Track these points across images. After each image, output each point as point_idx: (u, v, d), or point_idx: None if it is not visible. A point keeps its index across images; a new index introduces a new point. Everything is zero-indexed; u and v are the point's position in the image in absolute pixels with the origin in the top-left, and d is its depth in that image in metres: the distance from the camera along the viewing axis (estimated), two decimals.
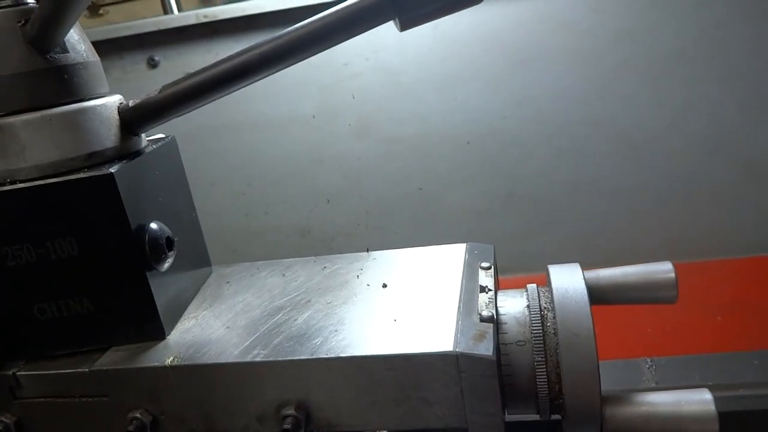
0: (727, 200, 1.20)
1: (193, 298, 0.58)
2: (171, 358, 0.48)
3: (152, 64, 1.34)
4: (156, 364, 0.48)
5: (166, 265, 0.51)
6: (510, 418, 0.72)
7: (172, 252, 0.52)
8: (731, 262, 1.14)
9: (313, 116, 1.28)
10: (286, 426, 0.45)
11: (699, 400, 0.45)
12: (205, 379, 0.47)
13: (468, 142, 1.25)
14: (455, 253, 0.58)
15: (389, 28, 0.47)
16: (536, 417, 0.68)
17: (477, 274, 0.53)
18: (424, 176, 1.29)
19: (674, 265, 0.52)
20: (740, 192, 1.19)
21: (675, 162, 1.21)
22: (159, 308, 0.51)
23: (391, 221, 1.32)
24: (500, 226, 1.25)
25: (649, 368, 0.76)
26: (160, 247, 0.50)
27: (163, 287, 0.52)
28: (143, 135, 0.57)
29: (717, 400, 0.54)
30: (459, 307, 0.48)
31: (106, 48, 1.34)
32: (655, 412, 0.45)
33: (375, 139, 1.28)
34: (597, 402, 0.44)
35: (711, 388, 0.64)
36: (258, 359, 0.46)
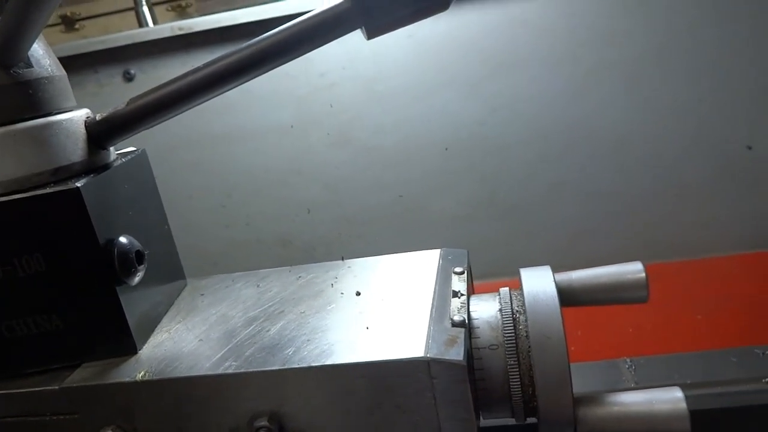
0: (707, 200, 1.21)
1: (166, 311, 0.58)
2: (142, 372, 0.47)
3: (128, 78, 1.33)
4: (127, 379, 0.47)
5: (137, 279, 0.51)
6: (485, 423, 0.72)
7: (143, 266, 0.52)
8: (711, 261, 1.15)
9: (291, 126, 1.28)
10: None
11: (670, 398, 0.45)
12: (177, 392, 0.46)
13: (447, 149, 1.25)
14: (429, 259, 0.58)
15: (363, 37, 0.48)
16: (512, 421, 0.68)
17: (450, 279, 0.53)
18: (403, 184, 1.29)
19: (644, 265, 0.52)
20: (720, 191, 1.21)
21: (653, 162, 1.23)
22: (130, 323, 0.50)
23: (372, 229, 1.32)
24: (481, 231, 1.25)
25: (628, 368, 0.77)
26: (130, 260, 0.50)
27: (134, 301, 0.51)
28: (112, 149, 0.56)
29: (696, 398, 0.54)
30: (431, 312, 0.48)
31: (81, 62, 1.34)
32: (628, 411, 0.46)
33: (354, 148, 1.29)
34: (570, 404, 0.45)
35: (689, 387, 0.65)
36: (230, 371, 0.45)
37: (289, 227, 1.35)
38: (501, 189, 1.27)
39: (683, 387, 0.45)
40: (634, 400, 0.46)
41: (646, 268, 0.51)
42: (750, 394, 0.70)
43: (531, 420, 0.50)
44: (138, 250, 0.51)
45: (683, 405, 0.45)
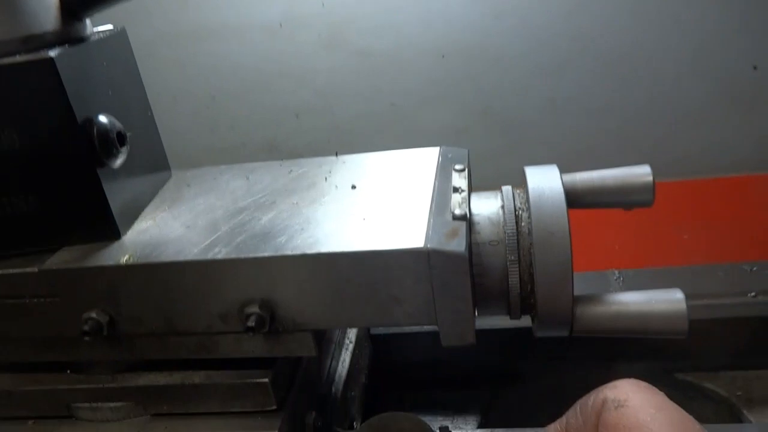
0: (707, 120, 1.19)
1: (150, 200, 0.55)
2: (126, 256, 0.45)
3: None
4: (110, 263, 0.45)
5: (119, 161, 0.48)
6: (480, 323, 0.73)
7: (125, 148, 0.48)
8: (709, 182, 1.14)
9: (280, 25, 1.21)
10: (250, 324, 0.43)
11: (669, 298, 0.44)
12: (163, 278, 0.45)
13: (443, 56, 1.20)
14: (428, 156, 0.55)
15: None
16: (506, 319, 0.68)
17: (450, 176, 0.51)
18: (396, 91, 1.24)
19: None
20: (721, 112, 1.18)
21: (654, 81, 1.19)
22: (112, 207, 0.48)
23: (362, 138, 1.28)
24: (475, 143, 1.22)
25: (616, 279, 0.77)
26: (111, 141, 0.46)
27: (116, 185, 0.48)
28: (89, 22, 0.52)
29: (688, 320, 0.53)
30: (431, 206, 0.46)
31: None
32: (625, 311, 0.45)
33: (346, 52, 1.22)
34: (569, 300, 0.44)
35: None
36: (219, 257, 0.43)
37: (276, 132, 1.30)
38: (497, 102, 1.23)
39: None
40: (633, 299, 0.45)
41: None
42: (736, 307, 0.71)
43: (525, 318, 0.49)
44: (119, 131, 0.48)
45: (683, 306, 0.44)
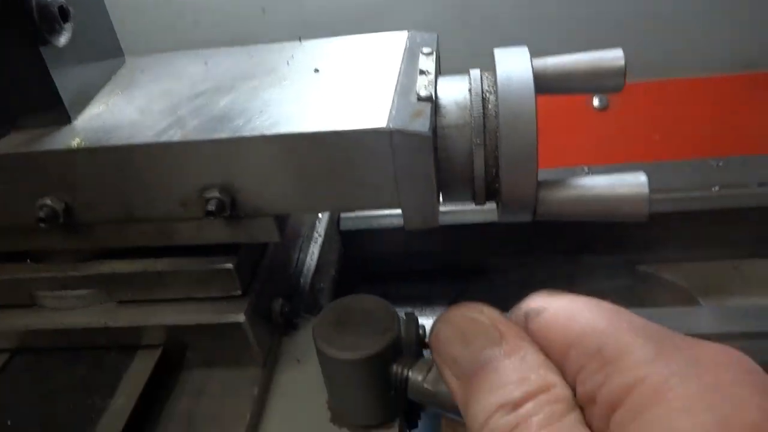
0: (679, 20, 1.16)
1: (103, 86, 0.52)
2: (77, 140, 0.43)
3: None
4: (61, 147, 0.43)
5: (63, 39, 0.45)
6: (449, 218, 0.73)
7: (68, 24, 0.45)
8: (678, 82, 1.13)
9: None
10: (210, 208, 0.42)
11: (632, 182, 0.44)
12: (118, 162, 0.43)
13: None
14: (395, 40, 0.53)
15: None
16: (475, 214, 0.68)
17: (417, 59, 0.49)
18: None
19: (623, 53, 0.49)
20: (693, 12, 1.15)
21: None
22: (60, 89, 0.45)
23: (334, 35, 1.23)
24: (452, 43, 1.18)
25: (586, 174, 0.77)
26: (52, 15, 0.43)
27: (62, 66, 0.46)
28: None
29: (652, 202, 0.54)
30: (396, 88, 0.45)
31: None
32: (588, 194, 0.45)
33: None
34: (533, 183, 0.43)
35: None
36: (175, 139, 0.42)
37: (242, 29, 1.24)
38: None
39: None
40: (596, 183, 0.45)
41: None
42: (699, 200, 0.72)
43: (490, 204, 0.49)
44: (61, 6, 0.44)
45: (645, 189, 0.44)
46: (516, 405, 0.30)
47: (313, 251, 0.67)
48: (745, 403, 0.26)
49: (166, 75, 0.52)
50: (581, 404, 0.31)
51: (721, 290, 0.76)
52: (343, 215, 0.76)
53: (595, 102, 0.97)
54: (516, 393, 0.30)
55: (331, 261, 0.71)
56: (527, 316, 0.34)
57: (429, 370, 0.43)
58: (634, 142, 0.98)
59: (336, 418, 0.49)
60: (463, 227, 0.74)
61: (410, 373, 0.43)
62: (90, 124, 0.46)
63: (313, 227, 0.70)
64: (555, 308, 0.34)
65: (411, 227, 0.44)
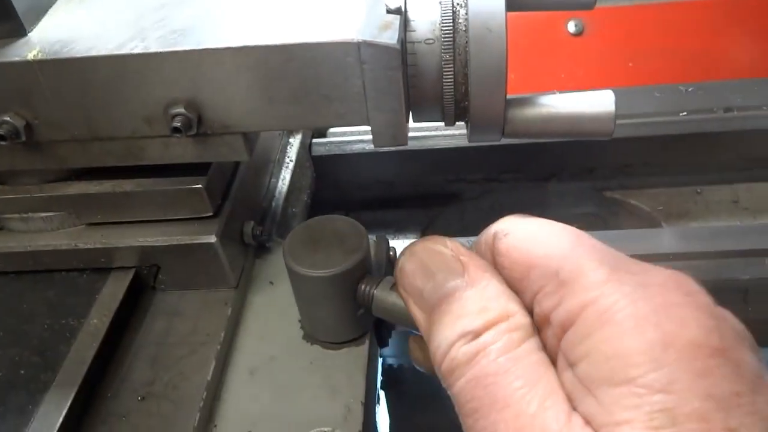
0: None
1: None
2: (34, 52, 0.42)
3: None
4: (17, 58, 0.42)
5: None
6: (420, 143, 0.73)
7: None
8: (653, 7, 1.12)
9: None
10: (176, 125, 0.42)
11: (599, 99, 0.45)
12: (78, 76, 0.42)
13: None
14: None
15: None
16: (446, 139, 0.68)
17: None
18: None
19: None
20: None
21: None
22: None
23: None
24: None
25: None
26: None
27: None
28: None
29: (620, 127, 0.54)
30: (365, 1, 0.43)
31: None
32: (556, 112, 0.45)
33: None
34: (502, 101, 0.43)
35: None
36: (137, 51, 0.40)
37: None
38: None
39: None
40: (563, 101, 0.45)
41: None
42: (665, 125, 0.73)
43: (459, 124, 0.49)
44: None
45: (611, 107, 0.44)
46: (476, 334, 0.31)
47: (285, 176, 0.67)
48: (688, 320, 0.27)
49: None
50: (538, 326, 0.32)
51: (683, 215, 0.79)
52: (314, 141, 0.76)
53: (571, 27, 0.96)
54: (476, 322, 0.31)
55: (303, 186, 0.71)
56: (495, 237, 0.35)
57: (393, 287, 0.44)
58: (608, 69, 0.98)
59: (308, 336, 0.50)
60: (434, 153, 0.74)
61: (375, 291, 0.44)
62: (47, 36, 0.44)
63: (284, 152, 0.69)
64: (521, 230, 0.35)
65: (380, 144, 0.44)
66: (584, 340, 0.29)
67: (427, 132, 0.75)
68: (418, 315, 0.36)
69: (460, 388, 0.31)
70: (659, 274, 0.30)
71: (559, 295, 0.30)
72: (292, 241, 0.46)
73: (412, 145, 0.73)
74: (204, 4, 0.45)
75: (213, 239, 0.49)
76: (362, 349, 0.49)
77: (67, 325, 0.49)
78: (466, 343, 0.31)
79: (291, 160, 0.69)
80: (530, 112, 0.46)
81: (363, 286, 0.45)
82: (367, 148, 0.75)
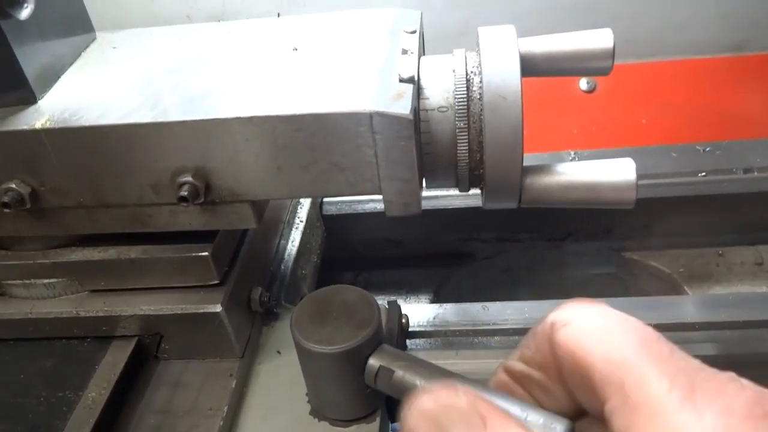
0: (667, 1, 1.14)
1: (71, 63, 0.49)
2: (43, 120, 0.41)
3: None
4: (25, 127, 0.41)
5: (25, 12, 0.42)
6: (434, 203, 0.71)
7: None
8: (666, 64, 1.12)
9: None
10: (183, 194, 0.40)
11: (619, 168, 0.43)
12: (85, 144, 0.41)
13: None
14: (378, 18, 0.51)
15: None
16: (459, 199, 0.66)
17: (399, 38, 0.47)
18: None
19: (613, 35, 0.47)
20: None
21: None
22: (24, 66, 0.43)
23: (315, 7, 1.20)
24: (436, 20, 1.16)
25: (572, 159, 0.76)
26: None
27: (27, 43, 0.43)
28: None
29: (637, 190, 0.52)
30: (377, 69, 0.43)
31: None
32: (575, 180, 0.44)
33: None
34: (518, 168, 0.42)
35: None
36: (145, 120, 0.40)
37: (223, 1, 1.21)
38: None
39: None
40: (582, 169, 0.44)
41: None
42: (685, 186, 0.71)
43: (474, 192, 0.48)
44: None
45: (632, 175, 0.43)
46: None
47: (295, 237, 0.66)
48: None
49: (139, 52, 0.50)
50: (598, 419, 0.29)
51: (706, 277, 0.76)
52: (326, 200, 0.75)
53: (582, 84, 0.96)
54: None
55: (313, 247, 0.69)
56: (553, 327, 0.32)
57: (405, 367, 0.42)
58: (621, 126, 0.97)
59: (315, 412, 0.48)
60: (447, 212, 0.73)
61: (386, 369, 0.41)
62: (57, 104, 0.43)
63: (294, 212, 0.68)
64: (580, 322, 0.31)
65: (392, 214, 0.43)
66: None
67: (440, 192, 0.73)
68: None
69: None
70: (740, 394, 0.27)
71: (628, 417, 0.28)
72: (300, 313, 0.44)
73: (424, 203, 0.72)
74: (214, 71, 0.45)
75: (219, 308, 0.48)
76: (373, 427, 0.46)
77: (64, 398, 0.47)
78: None
79: (301, 221, 0.67)
80: (548, 180, 0.44)
81: (374, 363, 0.42)
82: (378, 207, 0.73)
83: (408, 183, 0.41)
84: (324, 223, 0.74)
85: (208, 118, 0.39)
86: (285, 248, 0.64)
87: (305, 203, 0.70)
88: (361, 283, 0.82)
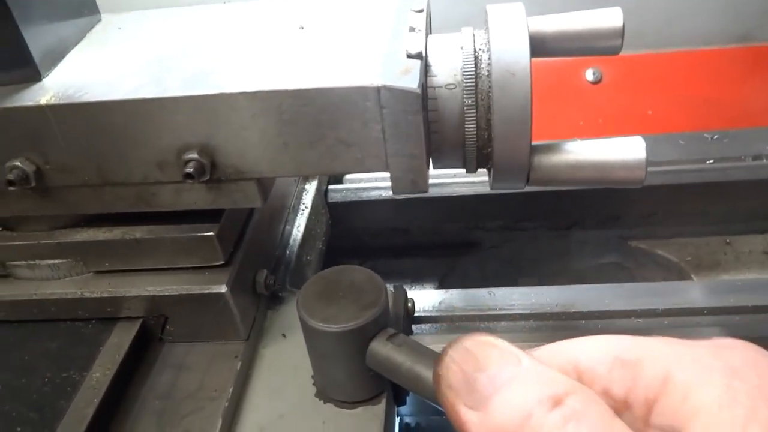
0: None
1: (77, 43, 0.49)
2: (48, 96, 0.41)
3: None
4: (30, 103, 0.41)
5: None
6: (440, 190, 0.71)
7: None
8: (673, 55, 1.11)
9: None
10: (188, 171, 0.40)
11: (629, 146, 0.43)
12: (90, 121, 0.41)
13: None
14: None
15: None
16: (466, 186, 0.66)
17: (407, 17, 0.46)
18: None
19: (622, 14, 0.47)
20: None
21: None
22: (30, 44, 0.43)
23: None
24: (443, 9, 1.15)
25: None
26: None
27: (33, 21, 0.43)
28: None
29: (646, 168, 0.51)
30: (385, 46, 0.42)
31: None
32: (584, 159, 0.43)
33: None
34: (526, 147, 0.42)
35: None
36: (150, 96, 0.40)
37: None
38: None
39: None
40: (591, 147, 0.43)
41: None
42: (692, 173, 0.71)
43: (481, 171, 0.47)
44: None
45: (642, 154, 0.42)
46: (557, 401, 0.27)
47: (299, 223, 0.65)
48: None
49: (145, 32, 0.50)
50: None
51: (713, 266, 0.75)
52: (330, 187, 0.74)
53: (589, 75, 0.95)
54: (557, 388, 0.27)
55: (318, 234, 0.69)
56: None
57: (390, 338, 0.41)
58: (627, 117, 0.96)
59: (321, 394, 0.47)
60: (453, 200, 0.72)
61: (390, 354, 0.41)
62: (61, 81, 0.43)
63: (299, 199, 0.68)
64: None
65: (399, 191, 0.42)
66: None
67: (445, 179, 0.73)
68: (471, 417, 0.30)
69: None
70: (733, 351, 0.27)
71: (632, 376, 0.28)
72: (307, 292, 0.44)
73: (429, 191, 0.71)
74: (219, 50, 0.45)
75: (224, 289, 0.47)
76: (378, 409, 0.46)
77: (69, 379, 0.46)
78: (549, 410, 0.27)
79: (306, 207, 0.67)
80: (556, 158, 0.44)
81: (376, 346, 0.42)
82: (383, 194, 0.73)
83: (415, 159, 0.40)
84: (329, 211, 0.74)
85: (214, 93, 0.39)
86: (290, 234, 0.64)
87: (310, 190, 0.70)
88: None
